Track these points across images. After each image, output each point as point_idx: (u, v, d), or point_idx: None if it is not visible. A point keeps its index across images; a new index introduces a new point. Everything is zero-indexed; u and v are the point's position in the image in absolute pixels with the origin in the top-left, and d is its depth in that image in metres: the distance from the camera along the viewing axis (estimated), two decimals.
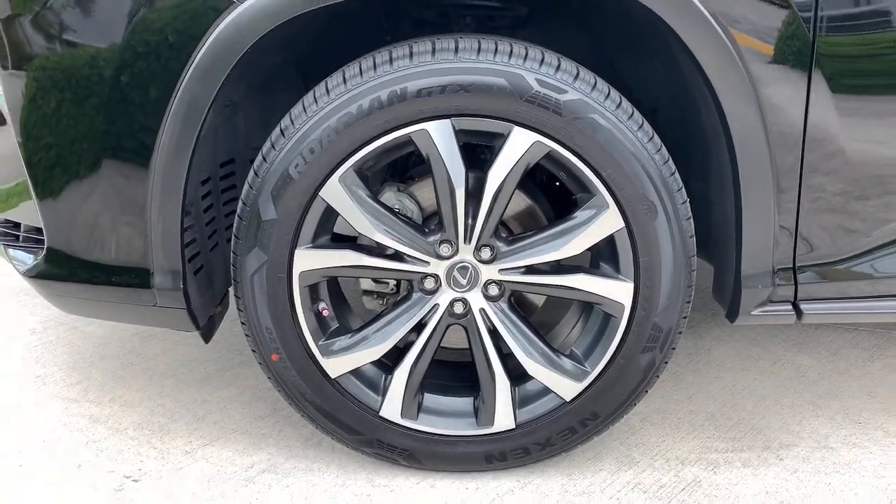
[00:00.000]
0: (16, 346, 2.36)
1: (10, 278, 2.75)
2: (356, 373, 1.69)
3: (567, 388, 1.67)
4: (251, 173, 1.56)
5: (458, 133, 1.53)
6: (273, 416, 1.98)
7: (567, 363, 1.67)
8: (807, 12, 1.49)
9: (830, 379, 2.19)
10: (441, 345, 1.69)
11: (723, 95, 1.52)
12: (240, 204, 1.58)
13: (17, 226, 1.85)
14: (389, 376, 1.68)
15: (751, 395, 2.10)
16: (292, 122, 1.52)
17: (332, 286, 1.72)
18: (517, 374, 1.68)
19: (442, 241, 1.60)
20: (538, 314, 1.85)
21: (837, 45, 1.52)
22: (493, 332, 1.66)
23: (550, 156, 1.54)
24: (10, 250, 1.82)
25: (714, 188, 1.72)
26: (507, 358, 1.68)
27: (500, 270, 1.62)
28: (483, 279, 1.63)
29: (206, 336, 1.76)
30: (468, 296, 1.64)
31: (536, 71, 1.48)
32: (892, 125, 1.59)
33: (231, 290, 1.71)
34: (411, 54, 1.49)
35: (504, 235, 1.64)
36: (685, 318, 1.64)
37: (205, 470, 1.77)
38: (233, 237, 1.59)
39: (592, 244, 1.59)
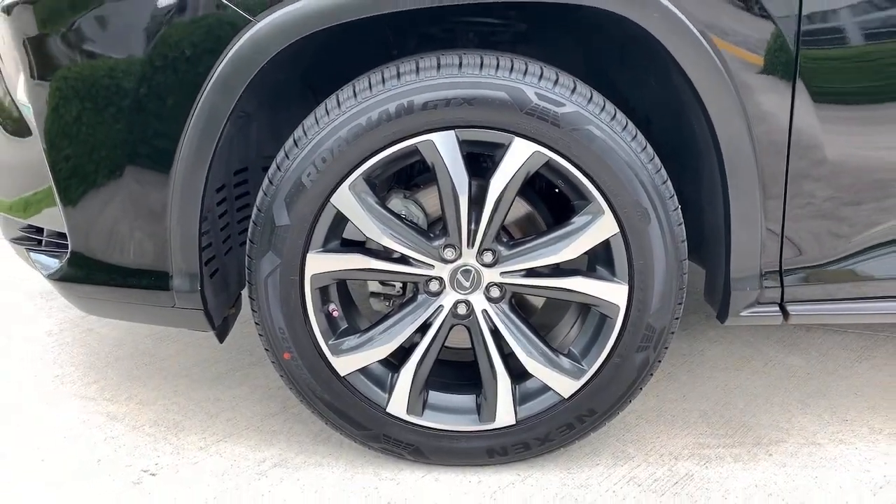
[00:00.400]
0: (33, 347, 2.42)
1: (26, 282, 2.82)
2: (364, 371, 1.74)
3: (565, 386, 1.73)
4: (266, 181, 1.62)
5: (462, 143, 1.59)
6: (283, 414, 2.04)
7: (565, 362, 1.72)
8: (790, 27, 1.55)
9: (819, 379, 2.24)
10: (445, 345, 1.74)
11: (710, 106, 1.58)
12: (254, 210, 1.64)
13: (39, 231, 1.92)
14: (396, 374, 1.74)
15: (742, 394, 2.15)
16: (305, 133, 1.59)
17: (342, 288, 1.78)
18: (518, 373, 1.74)
19: (446, 246, 1.66)
20: (538, 315, 1.90)
21: (819, 58, 1.58)
22: (495, 333, 1.71)
23: (549, 165, 1.60)
24: (33, 254, 1.88)
25: (705, 194, 1.78)
26: (508, 357, 1.73)
27: (502, 273, 1.68)
28: (485, 282, 1.69)
29: (221, 336, 1.83)
30: (471, 298, 1.70)
31: (536, 85, 1.55)
32: (875, 133, 1.64)
33: (244, 291, 1.78)
34: (418, 69, 1.55)
35: (505, 240, 1.70)
36: (677, 318, 1.69)
37: (219, 464, 1.84)
38: (248, 242, 1.65)
39: (589, 248, 1.65)
